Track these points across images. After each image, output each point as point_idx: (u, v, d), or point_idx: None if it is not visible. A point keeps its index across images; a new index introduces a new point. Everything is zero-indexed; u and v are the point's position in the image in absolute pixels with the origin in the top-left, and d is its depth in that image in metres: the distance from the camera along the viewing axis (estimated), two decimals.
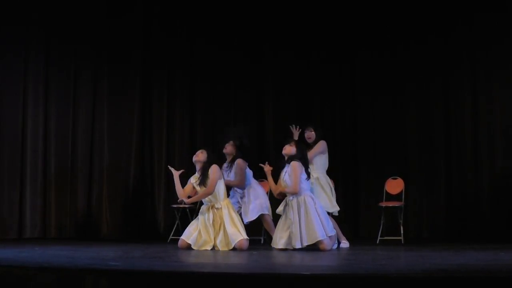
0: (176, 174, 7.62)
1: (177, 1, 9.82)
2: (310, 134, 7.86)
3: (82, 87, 9.51)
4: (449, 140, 9.47)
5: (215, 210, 7.37)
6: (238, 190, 7.93)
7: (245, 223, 7.63)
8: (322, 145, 7.81)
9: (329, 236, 7.10)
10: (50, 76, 9.37)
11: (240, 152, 7.92)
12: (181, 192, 7.53)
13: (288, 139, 7.50)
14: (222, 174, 7.67)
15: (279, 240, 7.13)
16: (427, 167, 9.52)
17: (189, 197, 7.58)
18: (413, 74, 9.64)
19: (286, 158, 7.26)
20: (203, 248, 7.26)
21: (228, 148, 7.97)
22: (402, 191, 8.77)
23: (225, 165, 7.96)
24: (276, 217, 7.72)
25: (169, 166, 7.84)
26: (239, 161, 7.86)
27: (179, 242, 7.44)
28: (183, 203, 7.69)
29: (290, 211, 7.11)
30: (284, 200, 7.29)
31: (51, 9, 9.37)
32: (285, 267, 5.58)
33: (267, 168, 7.38)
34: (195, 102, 9.91)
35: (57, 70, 9.42)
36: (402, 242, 8.29)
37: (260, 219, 7.91)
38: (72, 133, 9.43)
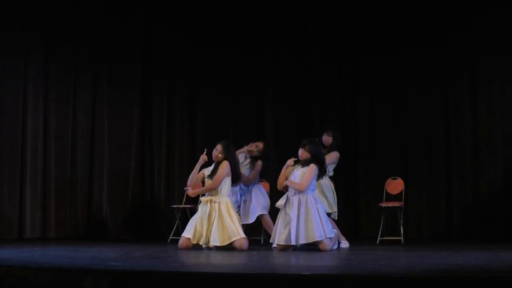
0: (202, 159, 7.58)
1: (177, 1, 9.82)
2: (328, 139, 7.89)
3: (82, 87, 9.51)
4: (449, 140, 9.48)
5: (213, 203, 7.36)
6: (242, 187, 7.93)
7: (242, 222, 7.64)
8: (335, 157, 7.85)
9: (329, 237, 7.10)
10: (50, 76, 9.36)
11: (265, 157, 7.95)
12: (193, 180, 7.53)
13: (302, 140, 7.41)
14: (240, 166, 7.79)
15: (279, 235, 7.09)
16: (427, 167, 9.53)
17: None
18: (413, 74, 9.65)
19: (303, 161, 7.24)
20: (197, 242, 7.25)
21: (253, 148, 8.00)
22: (402, 191, 8.78)
23: (245, 162, 8.02)
24: (274, 212, 7.77)
25: (205, 151, 7.70)
26: (259, 162, 7.93)
27: (180, 240, 7.42)
28: (186, 197, 7.66)
29: (291, 207, 7.08)
30: (285, 195, 7.26)
31: (51, 8, 9.37)
32: (285, 267, 5.58)
33: (291, 162, 7.35)
34: (195, 102, 9.92)
35: (57, 70, 9.42)
36: (402, 242, 8.29)
37: (259, 218, 7.92)
38: (72, 133, 9.43)
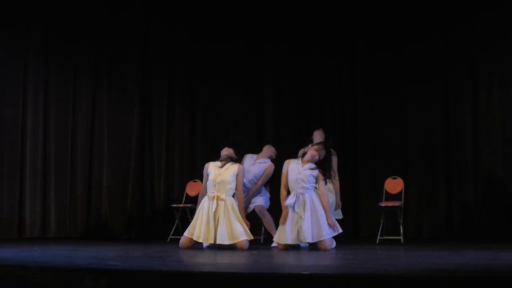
0: None
1: (178, 1, 9.82)
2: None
3: (82, 87, 9.52)
4: (449, 139, 9.47)
5: (219, 201, 7.31)
6: (247, 185, 7.91)
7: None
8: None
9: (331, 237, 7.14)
10: (50, 76, 9.37)
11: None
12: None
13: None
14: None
15: (290, 234, 7.07)
16: (427, 167, 9.52)
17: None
18: (414, 74, 9.64)
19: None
20: (201, 241, 7.21)
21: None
22: (402, 190, 8.78)
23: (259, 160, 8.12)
24: (273, 211, 7.75)
25: None
26: (272, 165, 8.09)
27: (182, 240, 7.39)
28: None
29: (303, 206, 7.10)
30: (293, 193, 7.20)
31: (50, 9, 9.37)
32: (285, 267, 5.58)
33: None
34: (195, 102, 9.92)
35: (57, 70, 9.43)
36: (402, 242, 8.30)
37: (260, 217, 7.91)
38: (72, 133, 9.43)
